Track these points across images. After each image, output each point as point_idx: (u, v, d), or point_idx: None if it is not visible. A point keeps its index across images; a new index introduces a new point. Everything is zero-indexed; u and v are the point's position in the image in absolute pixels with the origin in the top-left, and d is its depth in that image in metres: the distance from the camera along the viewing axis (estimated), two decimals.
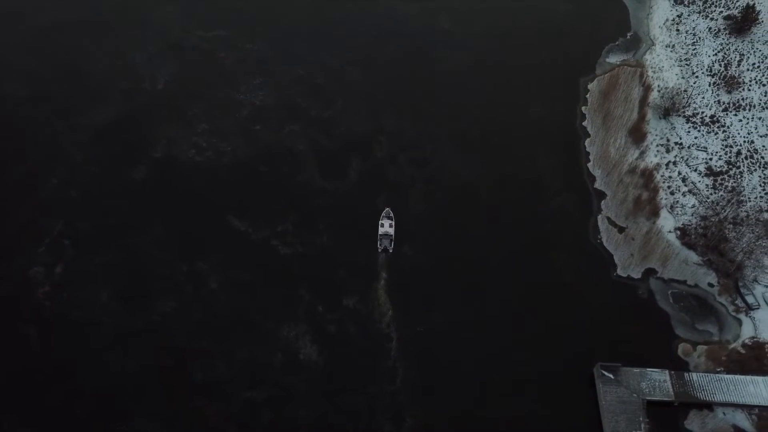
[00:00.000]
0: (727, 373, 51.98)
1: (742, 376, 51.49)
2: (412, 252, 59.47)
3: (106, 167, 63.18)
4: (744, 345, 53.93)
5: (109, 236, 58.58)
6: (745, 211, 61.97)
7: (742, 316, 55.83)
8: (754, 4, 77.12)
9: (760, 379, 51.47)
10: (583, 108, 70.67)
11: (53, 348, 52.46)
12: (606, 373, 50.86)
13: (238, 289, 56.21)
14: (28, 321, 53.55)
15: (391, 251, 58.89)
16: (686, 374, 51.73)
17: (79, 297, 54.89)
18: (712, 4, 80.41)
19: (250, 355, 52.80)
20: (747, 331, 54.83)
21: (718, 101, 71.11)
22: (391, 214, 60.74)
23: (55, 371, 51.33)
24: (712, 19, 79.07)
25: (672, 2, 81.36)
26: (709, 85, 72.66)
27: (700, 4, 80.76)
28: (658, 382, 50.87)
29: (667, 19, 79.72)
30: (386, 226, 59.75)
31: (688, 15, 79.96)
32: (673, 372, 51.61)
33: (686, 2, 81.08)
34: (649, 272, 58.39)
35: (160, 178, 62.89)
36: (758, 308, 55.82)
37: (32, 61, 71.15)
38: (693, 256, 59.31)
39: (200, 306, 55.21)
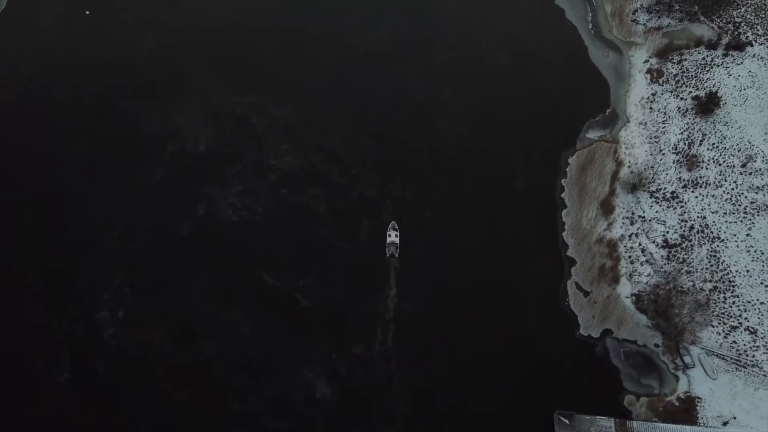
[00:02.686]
0: (662, 422, 64.32)
1: (674, 426, 63.83)
2: (412, 305, 71.68)
3: (158, 223, 75.53)
4: (678, 398, 66.16)
5: (161, 286, 71.10)
6: (691, 281, 73.96)
7: (679, 374, 67.90)
8: (717, 90, 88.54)
9: (687, 428, 63.80)
10: (562, 180, 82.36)
11: (117, 380, 65.23)
12: (563, 419, 63.32)
13: (267, 335, 68.76)
14: (96, 357, 66.36)
15: (396, 256, 73.69)
16: (628, 422, 64.08)
17: (137, 338, 67.56)
18: (683, 84, 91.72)
19: (277, 391, 65.46)
20: (682, 387, 66.97)
21: (680, 178, 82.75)
22: (396, 226, 75.91)
23: (119, 399, 64.16)
24: (682, 99, 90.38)
25: (648, 81, 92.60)
26: (673, 163, 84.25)
27: (673, 83, 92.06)
28: (605, 428, 63.30)
29: (642, 97, 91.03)
30: (393, 236, 75.32)
31: (662, 94, 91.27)
32: (617, 420, 63.98)
33: (660, 81, 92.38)
34: (607, 332, 70.51)
35: (202, 234, 75.19)
36: (693, 367, 67.83)
37: (93, 124, 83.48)
38: (644, 320, 71.41)
39: (236, 348, 67.82)
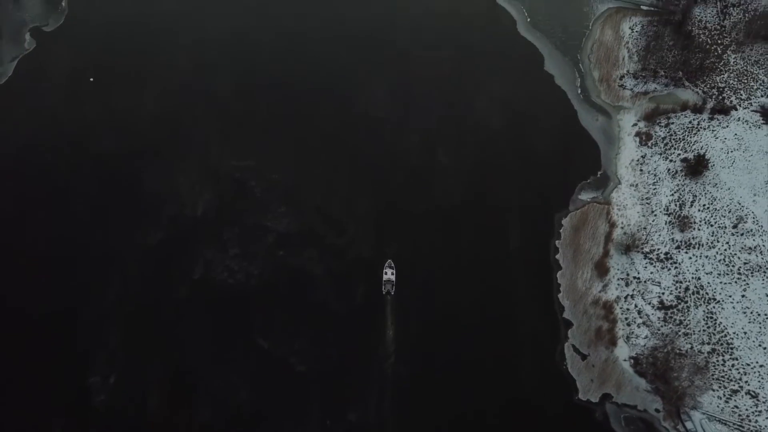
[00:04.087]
0: None
1: None
2: (408, 369, 70.92)
3: (154, 286, 75.49)
4: None
5: (156, 349, 70.39)
6: (689, 343, 73.74)
7: None
8: (705, 152, 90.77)
9: None
10: (557, 242, 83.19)
11: None
12: None
13: (262, 401, 67.67)
14: (89, 423, 65.02)
15: (393, 293, 75.34)
16: None
17: (130, 404, 66.35)
18: (672, 146, 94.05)
19: None
20: None
21: (673, 239, 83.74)
22: (392, 264, 77.55)
23: None
24: (671, 161, 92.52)
25: (637, 144, 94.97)
26: (665, 224, 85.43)
27: (662, 146, 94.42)
28: None
29: (632, 159, 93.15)
30: (389, 274, 77.00)
31: (651, 156, 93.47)
32: None
33: (649, 144, 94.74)
34: (606, 397, 69.67)
35: (198, 297, 74.99)
36: None
37: (93, 186, 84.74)
38: (643, 384, 70.74)
39: (231, 413, 66.58)
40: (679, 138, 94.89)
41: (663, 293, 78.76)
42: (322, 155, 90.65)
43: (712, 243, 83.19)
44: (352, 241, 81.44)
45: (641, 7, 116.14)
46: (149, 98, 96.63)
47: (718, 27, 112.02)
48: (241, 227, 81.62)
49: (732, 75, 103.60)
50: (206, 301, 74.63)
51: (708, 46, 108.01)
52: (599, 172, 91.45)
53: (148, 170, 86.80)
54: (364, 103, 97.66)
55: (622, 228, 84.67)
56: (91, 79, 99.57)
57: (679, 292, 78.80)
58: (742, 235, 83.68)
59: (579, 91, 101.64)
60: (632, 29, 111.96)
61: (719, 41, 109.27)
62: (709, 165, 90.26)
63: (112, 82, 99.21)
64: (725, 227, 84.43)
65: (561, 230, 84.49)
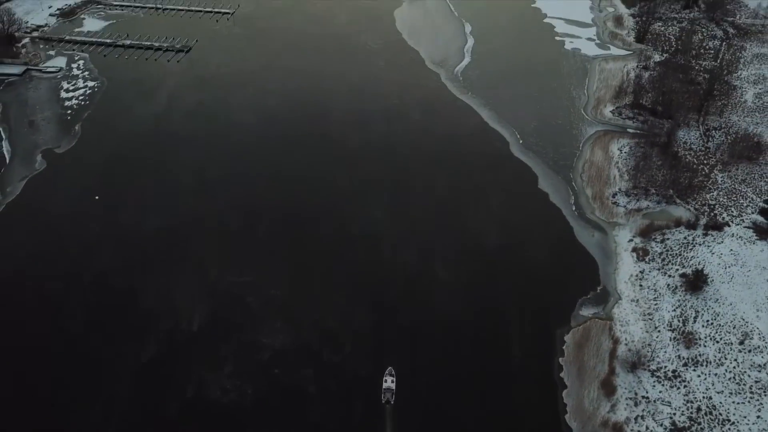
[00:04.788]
0: None
1: None
2: None
3: (145, 404, 72.20)
4: None
5: None
6: None
7: None
8: (703, 267, 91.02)
9: None
10: (560, 359, 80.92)
11: None
12: None
13: None
14: None
15: (392, 402, 72.32)
16: None
17: None
18: (669, 262, 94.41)
19: None
20: None
21: (679, 356, 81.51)
22: (393, 372, 75.09)
23: None
24: (670, 276, 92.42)
25: (635, 259, 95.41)
26: (670, 340, 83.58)
27: (659, 261, 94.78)
28: None
29: (631, 275, 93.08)
30: (389, 382, 74.35)
31: (650, 272, 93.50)
32: None
33: (647, 260, 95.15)
34: None
35: (191, 417, 71.44)
36: None
37: (90, 299, 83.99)
38: None
39: None
40: (676, 253, 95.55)
41: (674, 414, 75.30)
42: (321, 271, 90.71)
43: (720, 360, 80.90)
44: (350, 357, 79.17)
45: (628, 130, 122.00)
46: (151, 216, 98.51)
47: (703, 148, 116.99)
48: (237, 344, 79.73)
49: (721, 193, 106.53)
50: (198, 421, 71.02)
51: (695, 166, 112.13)
52: (599, 288, 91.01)
53: (145, 286, 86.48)
54: (363, 220, 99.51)
55: (626, 344, 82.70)
56: (97, 198, 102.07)
57: (691, 413, 75.32)
58: (749, 351, 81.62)
59: (574, 208, 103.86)
60: (621, 150, 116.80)
61: (705, 161, 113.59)
62: (708, 280, 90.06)
63: (116, 201, 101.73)
64: (731, 343, 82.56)
65: (563, 347, 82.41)
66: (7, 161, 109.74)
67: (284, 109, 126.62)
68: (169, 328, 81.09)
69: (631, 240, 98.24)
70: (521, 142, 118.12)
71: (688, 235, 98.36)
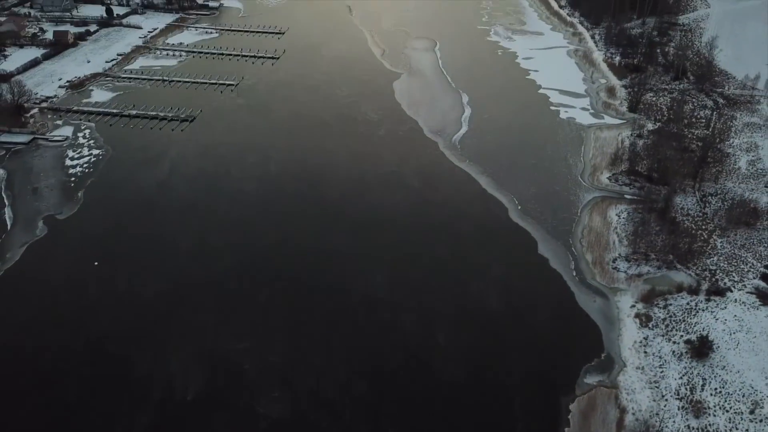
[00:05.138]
0: None
1: None
2: None
3: None
4: None
5: None
6: None
7: None
8: (707, 334, 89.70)
9: None
10: (566, 429, 78.36)
11: None
12: None
13: None
14: None
15: None
16: None
17: None
18: (673, 328, 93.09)
19: None
20: None
21: (688, 426, 78.98)
22: None
23: None
24: (674, 342, 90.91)
25: (638, 325, 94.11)
26: (678, 409, 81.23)
27: (663, 327, 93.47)
28: None
29: (635, 341, 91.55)
30: None
31: (654, 338, 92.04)
32: None
33: (650, 326, 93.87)
34: None
35: None
36: None
37: (84, 367, 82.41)
38: None
39: None
40: (679, 319, 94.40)
41: None
42: (320, 337, 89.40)
43: (730, 430, 78.37)
44: (348, 428, 76.71)
45: (625, 196, 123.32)
46: (149, 281, 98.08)
47: (701, 214, 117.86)
48: (233, 413, 77.49)
49: (721, 258, 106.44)
50: None
51: (694, 231, 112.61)
52: (603, 354, 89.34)
53: (141, 353, 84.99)
54: (363, 285, 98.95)
55: (633, 414, 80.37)
56: (96, 264, 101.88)
57: None
58: (761, 421, 79.22)
59: (574, 274, 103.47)
60: (619, 216, 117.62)
61: (703, 227, 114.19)
62: (714, 347, 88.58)
63: (115, 267, 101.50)
64: (742, 413, 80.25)
65: (569, 416, 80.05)
66: (9, 227, 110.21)
67: (285, 176, 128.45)
68: (164, 397, 79.13)
69: (633, 306, 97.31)
70: (520, 208, 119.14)
71: (691, 301, 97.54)
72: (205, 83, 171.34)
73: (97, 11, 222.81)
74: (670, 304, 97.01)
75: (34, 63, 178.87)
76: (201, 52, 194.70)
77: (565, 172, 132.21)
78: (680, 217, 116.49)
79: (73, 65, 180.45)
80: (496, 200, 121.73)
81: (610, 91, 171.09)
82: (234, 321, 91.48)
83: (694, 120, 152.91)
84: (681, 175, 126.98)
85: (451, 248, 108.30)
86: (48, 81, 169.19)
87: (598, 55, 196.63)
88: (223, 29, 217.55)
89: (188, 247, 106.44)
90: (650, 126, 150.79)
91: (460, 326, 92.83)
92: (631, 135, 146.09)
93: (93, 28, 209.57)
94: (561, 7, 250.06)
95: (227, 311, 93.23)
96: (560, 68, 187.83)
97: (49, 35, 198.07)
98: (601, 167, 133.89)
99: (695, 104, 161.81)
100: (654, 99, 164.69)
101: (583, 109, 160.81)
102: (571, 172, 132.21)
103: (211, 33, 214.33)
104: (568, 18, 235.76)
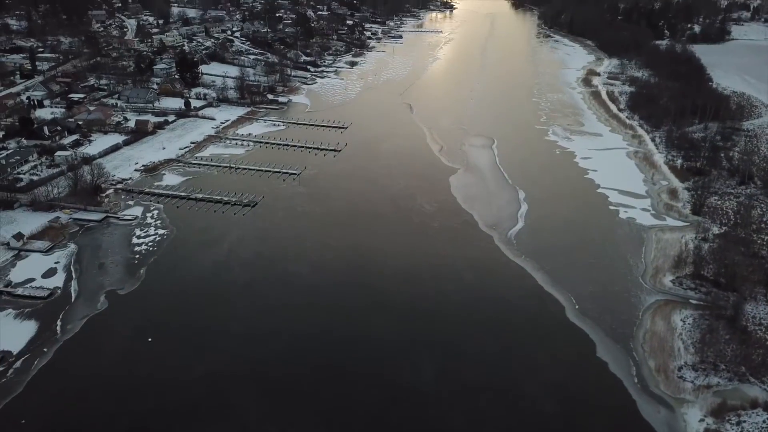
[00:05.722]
0: None
1: None
2: None
3: None
4: None
5: None
6: None
7: None
8: None
9: None
10: None
11: None
12: None
13: None
14: None
15: None
16: None
17: None
18: None
19: None
20: None
21: None
22: None
23: None
24: None
25: None
26: None
27: None
28: None
29: None
30: None
31: None
32: None
33: None
34: None
35: None
36: None
37: None
38: None
39: None
40: None
41: None
42: (364, 429, 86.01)
43: None
44: None
45: (690, 301, 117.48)
46: (198, 361, 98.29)
47: None
48: None
49: None
50: None
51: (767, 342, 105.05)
52: None
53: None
54: (410, 380, 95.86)
55: None
56: (150, 340, 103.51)
57: None
58: None
59: (636, 380, 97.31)
60: (684, 321, 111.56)
61: None
62: None
63: (168, 344, 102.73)
64: None
65: None
66: (72, 300, 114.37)
67: (339, 263, 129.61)
68: None
69: (702, 420, 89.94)
70: (577, 307, 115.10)
71: (767, 420, 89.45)
72: (270, 171, 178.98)
73: (177, 103, 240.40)
74: (744, 421, 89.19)
75: (115, 148, 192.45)
76: (267, 143, 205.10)
77: (625, 272, 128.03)
78: (752, 327, 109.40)
79: (150, 151, 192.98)
80: (553, 298, 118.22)
81: (672, 193, 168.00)
82: (278, 404, 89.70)
83: (763, 225, 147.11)
84: (751, 282, 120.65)
85: (505, 345, 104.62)
86: (125, 165, 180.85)
87: (659, 157, 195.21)
88: (289, 122, 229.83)
89: (239, 329, 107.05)
90: (716, 230, 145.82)
91: (512, 428, 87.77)
92: (696, 238, 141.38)
93: (171, 118, 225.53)
94: (620, 110, 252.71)
95: (271, 394, 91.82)
96: (619, 169, 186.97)
97: (132, 124, 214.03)
98: (664, 269, 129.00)
99: (764, 209, 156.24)
100: (719, 203, 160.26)
101: (644, 209, 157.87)
102: (632, 272, 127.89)
103: (278, 125, 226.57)
104: (628, 121, 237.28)
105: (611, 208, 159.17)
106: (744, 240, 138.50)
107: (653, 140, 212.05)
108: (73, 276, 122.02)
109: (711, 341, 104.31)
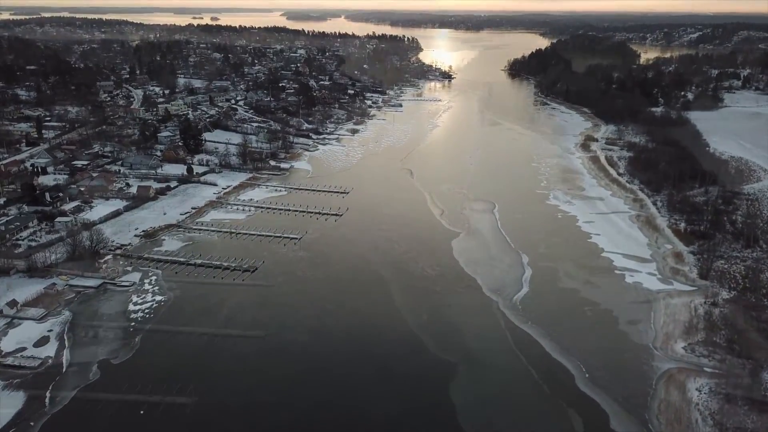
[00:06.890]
0: None
1: None
2: None
3: None
4: None
5: None
6: None
7: None
8: None
9: None
10: None
11: None
12: None
13: None
14: None
15: None
16: None
17: None
18: None
19: None
20: None
21: None
22: None
23: None
24: None
25: None
26: None
27: None
28: None
29: None
30: None
31: None
32: None
33: None
34: None
35: None
36: None
37: None
38: None
39: None
40: None
41: None
42: None
43: None
44: None
45: (704, 369, 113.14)
46: None
47: None
48: None
49: None
50: None
51: None
52: None
53: None
54: None
55: None
56: (141, 412, 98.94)
57: None
58: None
59: None
60: (700, 391, 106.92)
61: None
62: None
63: (159, 418, 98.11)
64: None
65: None
66: (64, 370, 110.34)
67: (338, 329, 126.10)
68: None
69: None
70: (587, 376, 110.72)
71: None
72: (270, 236, 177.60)
73: (179, 170, 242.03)
74: None
75: (115, 214, 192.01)
76: (269, 208, 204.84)
77: (634, 339, 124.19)
78: None
79: (151, 216, 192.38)
80: (562, 366, 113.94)
81: (678, 256, 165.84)
82: None
83: None
84: (766, 349, 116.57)
85: (513, 417, 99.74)
86: (125, 230, 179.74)
87: (662, 221, 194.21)
88: (291, 187, 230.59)
89: (235, 401, 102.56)
90: (725, 294, 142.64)
91: None
92: (705, 303, 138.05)
93: (173, 184, 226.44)
94: (620, 174, 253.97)
95: None
96: (623, 233, 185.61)
97: (134, 190, 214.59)
98: (675, 336, 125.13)
99: None
100: (726, 266, 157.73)
101: (650, 273, 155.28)
102: (641, 339, 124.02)
103: (280, 191, 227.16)
104: (628, 185, 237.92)
105: (617, 272, 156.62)
106: (755, 305, 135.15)
107: (654, 204, 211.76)
108: (66, 344, 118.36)
109: (730, 412, 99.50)
